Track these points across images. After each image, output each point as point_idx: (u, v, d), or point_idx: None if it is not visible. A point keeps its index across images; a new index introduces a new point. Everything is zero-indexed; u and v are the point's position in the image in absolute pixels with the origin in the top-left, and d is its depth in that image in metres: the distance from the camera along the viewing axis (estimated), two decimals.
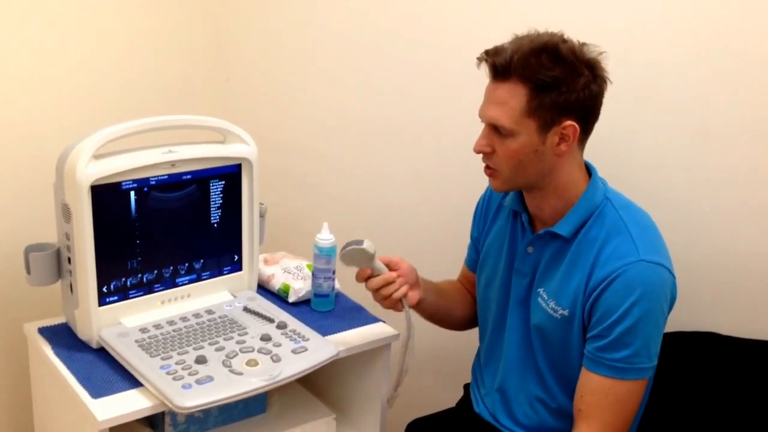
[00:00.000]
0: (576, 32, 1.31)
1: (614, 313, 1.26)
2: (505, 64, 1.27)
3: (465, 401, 1.63)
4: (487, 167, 1.36)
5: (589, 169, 1.38)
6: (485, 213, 1.55)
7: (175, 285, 1.54)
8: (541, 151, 1.29)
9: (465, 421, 1.57)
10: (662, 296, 1.28)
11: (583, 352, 1.32)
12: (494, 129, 1.31)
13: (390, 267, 1.45)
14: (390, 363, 1.58)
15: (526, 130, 1.28)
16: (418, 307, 1.51)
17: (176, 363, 1.34)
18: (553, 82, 1.25)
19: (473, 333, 1.64)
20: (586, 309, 1.31)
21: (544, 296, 1.38)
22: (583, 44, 1.29)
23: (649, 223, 1.35)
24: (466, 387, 1.66)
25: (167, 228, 1.50)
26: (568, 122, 1.27)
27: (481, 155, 1.35)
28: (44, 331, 1.49)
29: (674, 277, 1.31)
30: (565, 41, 1.28)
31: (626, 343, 1.26)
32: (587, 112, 1.29)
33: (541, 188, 1.35)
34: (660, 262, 1.28)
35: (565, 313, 1.34)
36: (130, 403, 1.29)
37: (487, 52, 1.30)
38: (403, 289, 1.43)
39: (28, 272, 1.45)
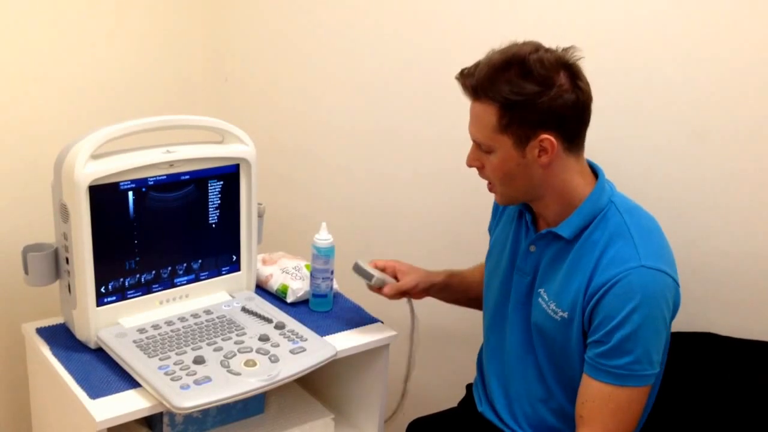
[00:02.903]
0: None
1: (614, 319, 1.25)
2: (474, 85, 1.28)
3: (467, 401, 1.63)
4: (487, 182, 1.38)
5: (595, 172, 1.37)
6: (496, 207, 1.57)
7: (174, 285, 1.54)
8: (524, 164, 1.29)
9: (467, 420, 1.57)
10: (663, 303, 1.27)
11: (584, 356, 1.31)
12: (479, 145, 1.33)
13: (389, 271, 1.54)
14: (389, 363, 1.58)
15: (502, 146, 1.29)
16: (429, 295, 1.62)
17: (174, 363, 1.34)
18: (521, 100, 1.24)
19: (476, 333, 1.64)
20: (586, 313, 1.30)
21: (545, 297, 1.37)
22: (566, 49, 1.27)
23: (654, 228, 1.34)
24: (469, 387, 1.66)
25: (165, 228, 1.49)
26: (544, 135, 1.26)
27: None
28: (42, 332, 1.49)
29: (677, 283, 1.29)
30: (537, 50, 1.26)
31: (627, 350, 1.25)
32: (565, 122, 1.27)
33: (539, 197, 1.35)
34: (661, 269, 1.26)
35: (565, 315, 1.33)
36: (128, 404, 1.28)
37: (461, 73, 1.31)
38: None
39: (26, 272, 1.45)
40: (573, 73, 1.26)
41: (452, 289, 1.63)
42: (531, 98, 1.24)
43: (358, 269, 1.53)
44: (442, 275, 1.61)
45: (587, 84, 1.28)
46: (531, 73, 1.24)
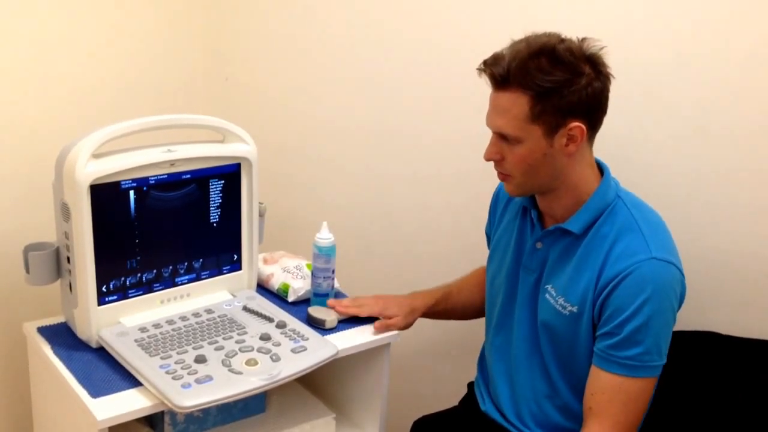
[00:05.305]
0: (575, 31, 1.31)
1: (625, 311, 1.26)
2: (503, 74, 1.27)
3: (468, 399, 1.63)
4: (501, 173, 1.37)
5: (601, 168, 1.38)
6: (495, 207, 1.57)
7: (175, 284, 1.54)
8: (550, 154, 1.30)
9: (472, 419, 1.57)
10: (672, 294, 1.28)
11: (592, 350, 1.32)
12: (501, 137, 1.31)
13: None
14: (390, 362, 1.58)
15: (532, 135, 1.28)
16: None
17: (176, 362, 1.34)
18: (554, 87, 1.25)
19: (477, 332, 1.64)
20: (597, 306, 1.31)
21: (553, 293, 1.38)
22: (583, 39, 1.29)
23: (659, 222, 1.35)
24: (470, 385, 1.66)
25: (166, 227, 1.49)
26: (574, 123, 1.27)
27: (492, 162, 1.36)
28: (43, 331, 1.49)
29: (683, 275, 1.31)
30: (563, 41, 1.27)
31: (637, 341, 1.26)
32: (592, 110, 1.29)
33: (554, 189, 1.35)
34: (671, 261, 1.28)
35: (574, 309, 1.34)
36: (129, 403, 1.28)
37: (485, 63, 1.30)
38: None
39: (27, 271, 1.45)
40: (596, 62, 1.28)
41: (433, 316, 1.64)
42: (563, 86, 1.25)
43: (311, 318, 1.55)
44: (422, 309, 1.59)
45: (608, 74, 1.30)
46: (562, 61, 1.25)
